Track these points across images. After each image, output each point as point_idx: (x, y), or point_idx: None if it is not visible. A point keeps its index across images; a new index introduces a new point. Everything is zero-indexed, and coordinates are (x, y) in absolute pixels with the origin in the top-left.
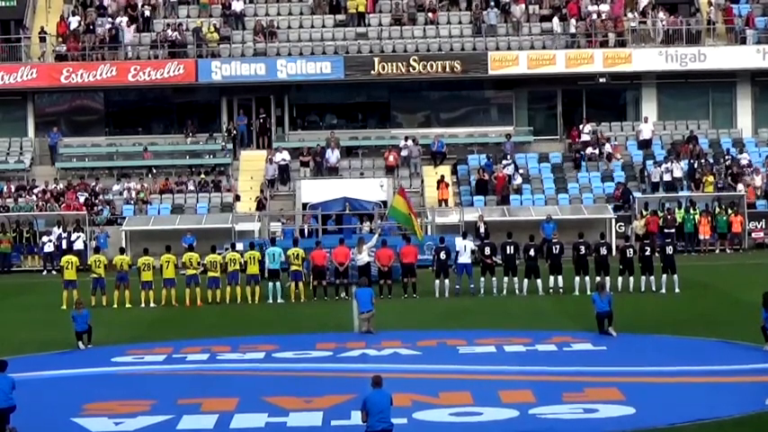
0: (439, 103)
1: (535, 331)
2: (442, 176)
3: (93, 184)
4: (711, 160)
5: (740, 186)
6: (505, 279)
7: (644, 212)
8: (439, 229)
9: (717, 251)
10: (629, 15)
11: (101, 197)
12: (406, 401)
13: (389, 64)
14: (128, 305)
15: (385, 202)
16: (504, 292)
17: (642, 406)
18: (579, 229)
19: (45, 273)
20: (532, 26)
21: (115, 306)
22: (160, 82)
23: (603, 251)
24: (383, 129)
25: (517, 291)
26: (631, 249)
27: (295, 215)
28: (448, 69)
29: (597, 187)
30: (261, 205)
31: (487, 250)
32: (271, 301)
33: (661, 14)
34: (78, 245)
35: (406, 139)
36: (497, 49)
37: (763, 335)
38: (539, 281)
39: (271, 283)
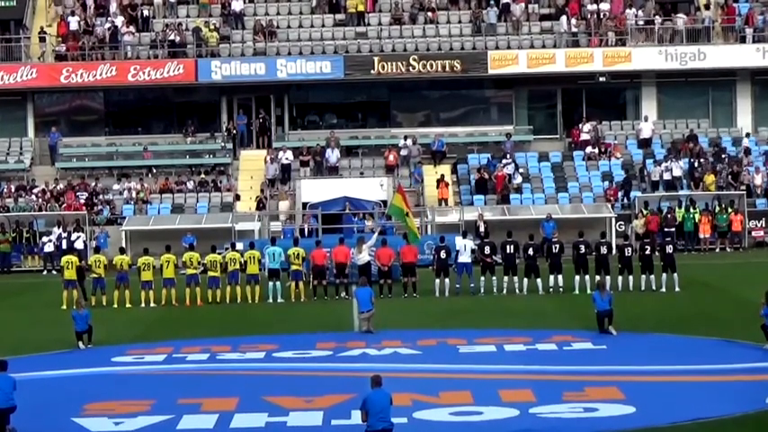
0: (439, 103)
1: (535, 330)
2: (442, 176)
3: (93, 183)
4: (711, 159)
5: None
6: (505, 278)
7: (644, 211)
8: (439, 228)
9: (717, 250)
10: (630, 13)
11: (101, 197)
12: (407, 401)
13: (389, 63)
14: (128, 305)
15: (385, 202)
16: (504, 291)
17: (642, 405)
18: (579, 228)
19: (45, 273)
20: (532, 25)
21: (115, 306)
22: (160, 82)
23: (604, 250)
24: (383, 128)
25: (517, 290)
26: (629, 248)
27: (295, 214)
28: (448, 69)
29: (597, 186)
30: (261, 205)
31: (487, 249)
32: (271, 300)
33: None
34: (78, 245)
35: (406, 138)
36: (497, 48)
37: (764, 333)
38: (539, 280)
39: (271, 283)
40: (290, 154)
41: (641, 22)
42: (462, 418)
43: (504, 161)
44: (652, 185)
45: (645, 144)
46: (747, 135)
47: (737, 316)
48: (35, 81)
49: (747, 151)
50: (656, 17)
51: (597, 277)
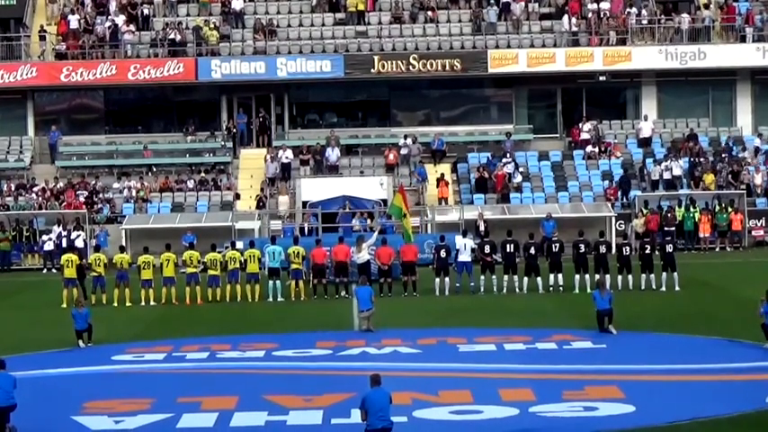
0: (439, 102)
1: (535, 329)
2: (442, 174)
3: (93, 182)
4: (711, 158)
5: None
6: (505, 277)
7: (644, 210)
8: (439, 227)
9: (717, 249)
10: (631, 11)
11: (101, 195)
12: (406, 400)
13: (389, 62)
14: (128, 303)
15: (385, 201)
16: (504, 290)
17: (642, 404)
18: (579, 228)
19: (45, 271)
20: (532, 24)
21: (115, 304)
22: (160, 80)
23: (603, 249)
24: (383, 127)
25: (517, 289)
26: (628, 247)
27: (295, 213)
28: (448, 68)
29: (597, 185)
30: (261, 204)
31: (487, 248)
32: (271, 299)
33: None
34: (78, 243)
35: (406, 137)
36: (497, 47)
37: (764, 332)
38: (539, 279)
39: (271, 282)
40: (289, 153)
41: (644, 22)
42: (462, 417)
43: (504, 160)
44: (652, 185)
45: (645, 143)
46: (760, 135)
47: (737, 315)
48: (35, 80)
49: (756, 151)
50: (661, 16)
51: (597, 276)
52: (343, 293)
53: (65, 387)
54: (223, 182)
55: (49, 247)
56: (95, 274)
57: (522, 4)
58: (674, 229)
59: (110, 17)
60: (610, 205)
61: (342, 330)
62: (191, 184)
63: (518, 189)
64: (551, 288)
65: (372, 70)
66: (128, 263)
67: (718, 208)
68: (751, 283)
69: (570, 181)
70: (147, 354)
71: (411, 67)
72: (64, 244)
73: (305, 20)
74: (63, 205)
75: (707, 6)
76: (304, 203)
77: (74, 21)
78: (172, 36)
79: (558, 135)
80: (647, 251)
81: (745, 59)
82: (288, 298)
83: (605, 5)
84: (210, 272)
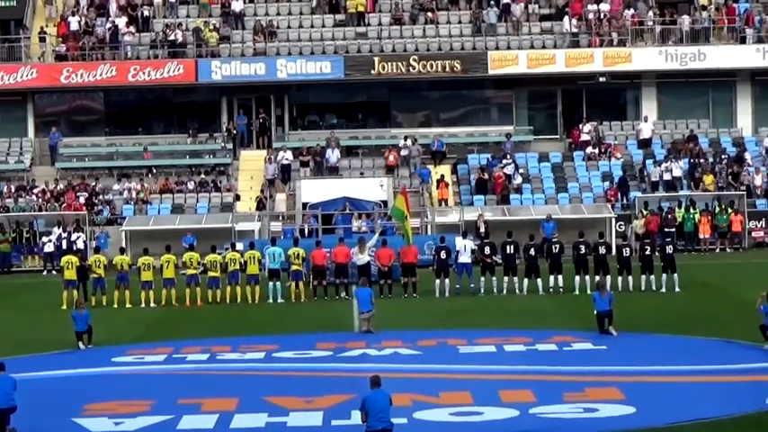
0: (439, 103)
1: (535, 331)
2: (442, 176)
3: (94, 184)
4: (711, 159)
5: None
6: (505, 278)
7: (644, 212)
8: (439, 228)
9: (717, 250)
10: (628, 13)
11: (101, 197)
12: (407, 401)
13: (389, 63)
14: (128, 305)
15: (385, 202)
16: (505, 291)
17: (642, 405)
18: (579, 229)
19: (45, 273)
20: (532, 25)
21: (115, 306)
22: (160, 82)
23: (602, 250)
24: (383, 128)
25: (517, 290)
26: (628, 248)
27: (295, 215)
28: (448, 69)
29: (597, 186)
30: (261, 205)
31: (487, 250)
32: (271, 300)
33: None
34: (78, 245)
35: (406, 138)
36: (497, 48)
37: (763, 334)
38: (539, 280)
39: (271, 283)
40: (289, 154)
41: (649, 23)
42: (462, 419)
43: (504, 161)
44: (652, 186)
45: (645, 144)
46: None
47: (737, 316)
48: (35, 81)
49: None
50: (663, 16)
51: (597, 277)
52: (343, 295)
53: (65, 389)
54: (223, 183)
55: (49, 248)
56: (95, 275)
57: (522, 5)
58: (673, 230)
59: (110, 19)
60: (610, 206)
61: (342, 332)
62: (191, 185)
63: (518, 190)
64: (551, 289)
65: (372, 71)
66: (128, 264)
67: (718, 209)
68: (751, 284)
69: (570, 182)
70: (148, 355)
71: (411, 69)
72: (64, 246)
73: (305, 21)
74: (63, 207)
75: (704, 8)
76: (304, 205)
77: (74, 22)
78: (172, 37)
79: (558, 136)
80: (647, 252)
81: (745, 60)
82: (288, 299)
83: (605, 6)
84: (210, 273)
